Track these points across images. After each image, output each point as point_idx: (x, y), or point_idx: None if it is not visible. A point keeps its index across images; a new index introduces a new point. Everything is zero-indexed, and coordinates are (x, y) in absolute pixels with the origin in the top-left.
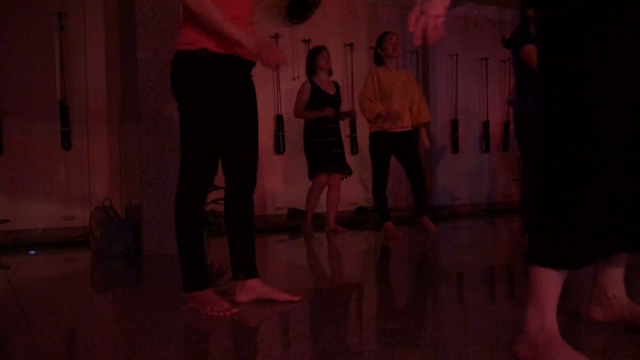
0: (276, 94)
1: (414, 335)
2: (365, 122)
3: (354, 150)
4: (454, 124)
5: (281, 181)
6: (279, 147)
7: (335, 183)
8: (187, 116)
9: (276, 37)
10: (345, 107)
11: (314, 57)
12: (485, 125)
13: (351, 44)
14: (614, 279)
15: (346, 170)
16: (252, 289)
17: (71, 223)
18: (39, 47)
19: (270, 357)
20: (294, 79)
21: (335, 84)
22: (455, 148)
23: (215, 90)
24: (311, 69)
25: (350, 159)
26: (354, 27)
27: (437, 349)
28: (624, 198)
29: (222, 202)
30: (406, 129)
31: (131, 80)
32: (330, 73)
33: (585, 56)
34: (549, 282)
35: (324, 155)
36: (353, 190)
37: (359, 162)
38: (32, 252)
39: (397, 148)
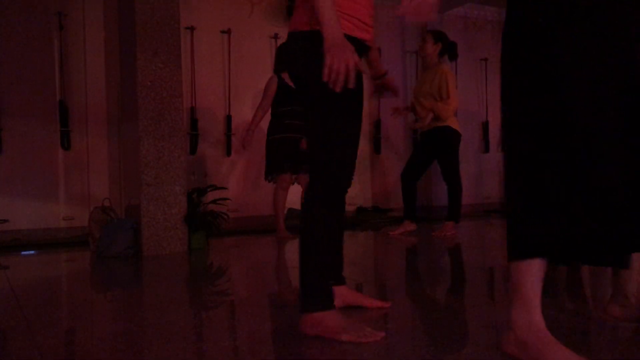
0: None
1: (413, 336)
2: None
3: None
4: None
5: None
6: None
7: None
8: (324, 105)
9: (276, 37)
10: None
11: None
12: (485, 125)
13: None
14: (633, 278)
15: None
16: (340, 295)
17: (70, 223)
18: (39, 47)
19: (269, 357)
20: None
21: None
22: None
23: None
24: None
25: None
26: None
27: (436, 350)
28: (607, 193)
29: (222, 202)
30: (427, 129)
31: (131, 80)
32: None
33: (557, 44)
34: (530, 277)
35: (289, 152)
36: (352, 190)
37: (358, 162)
38: (24, 252)
39: (423, 147)
